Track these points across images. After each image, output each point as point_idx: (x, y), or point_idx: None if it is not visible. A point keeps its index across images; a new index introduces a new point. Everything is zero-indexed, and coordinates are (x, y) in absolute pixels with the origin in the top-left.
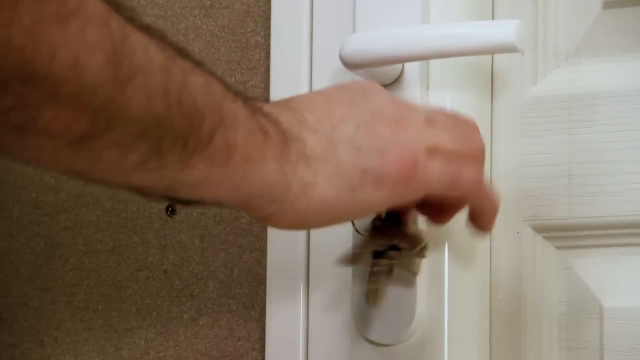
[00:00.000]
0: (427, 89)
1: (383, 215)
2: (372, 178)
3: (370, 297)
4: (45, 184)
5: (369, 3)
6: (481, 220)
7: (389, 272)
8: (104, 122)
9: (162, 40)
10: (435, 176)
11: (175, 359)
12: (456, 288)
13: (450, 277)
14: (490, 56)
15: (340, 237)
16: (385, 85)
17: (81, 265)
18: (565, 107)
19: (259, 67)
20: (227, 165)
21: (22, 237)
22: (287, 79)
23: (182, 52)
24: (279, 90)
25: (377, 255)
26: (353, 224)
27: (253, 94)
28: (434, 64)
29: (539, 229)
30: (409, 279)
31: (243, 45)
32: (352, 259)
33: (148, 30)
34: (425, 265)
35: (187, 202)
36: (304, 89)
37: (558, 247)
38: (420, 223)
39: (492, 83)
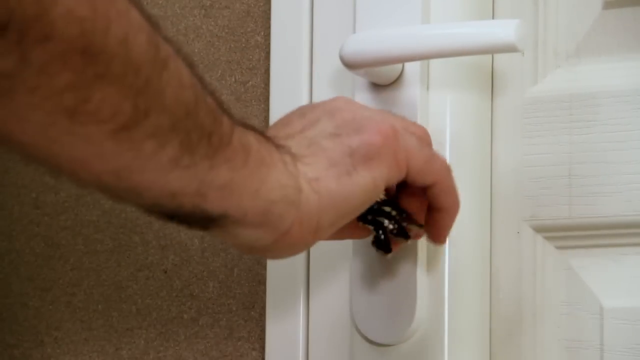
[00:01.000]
0: (427, 89)
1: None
2: (361, 156)
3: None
4: (45, 184)
5: (369, 3)
6: (443, 218)
7: (395, 229)
8: (144, 106)
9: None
10: (415, 148)
11: (175, 359)
12: (456, 288)
13: (450, 277)
14: (490, 56)
15: None
16: (386, 85)
17: (81, 265)
18: (566, 107)
19: (259, 67)
20: (245, 167)
21: (22, 237)
22: (287, 79)
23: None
24: (279, 90)
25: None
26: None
27: (253, 94)
28: (434, 63)
29: (539, 229)
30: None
31: (243, 45)
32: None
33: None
34: (425, 265)
35: (212, 219)
36: (304, 89)
37: (558, 247)
38: None
39: (492, 83)
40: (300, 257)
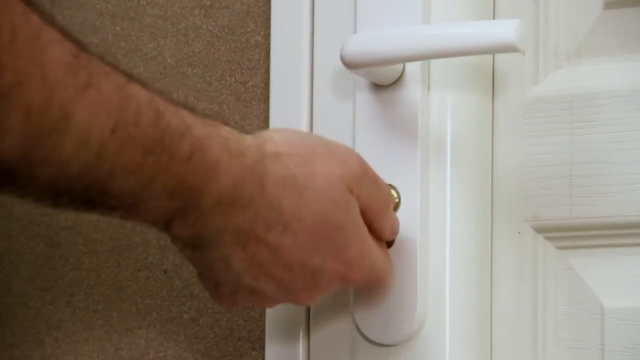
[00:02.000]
0: (428, 89)
1: None
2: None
3: None
4: None
5: (370, 3)
6: None
7: None
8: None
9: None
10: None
11: (175, 359)
12: (457, 288)
13: (450, 277)
14: (491, 56)
15: None
16: (386, 86)
17: (81, 265)
18: (566, 108)
19: (259, 67)
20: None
21: (22, 237)
22: (287, 79)
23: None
24: (279, 90)
25: None
26: None
27: (253, 94)
28: (435, 64)
29: (540, 229)
30: None
31: (243, 45)
32: None
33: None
34: (426, 265)
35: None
36: (304, 89)
37: (559, 247)
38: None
39: (493, 83)
40: None
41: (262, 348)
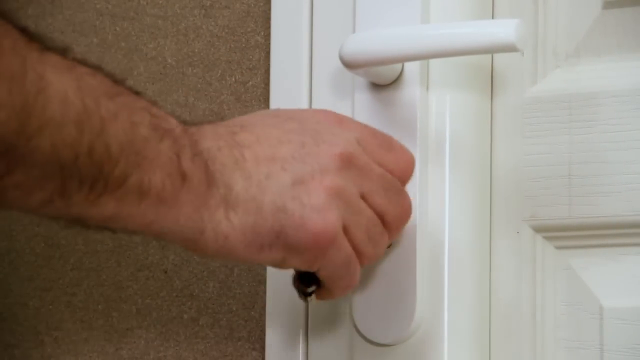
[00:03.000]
0: (427, 89)
1: None
2: (284, 244)
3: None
4: None
5: (369, 3)
6: (328, 293)
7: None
8: (4, 167)
9: (97, 76)
10: (339, 261)
11: (175, 359)
12: (456, 288)
13: (450, 277)
14: (490, 56)
15: None
16: (385, 85)
17: (81, 265)
18: (565, 107)
19: (259, 67)
20: (139, 206)
21: (22, 237)
22: (287, 79)
23: (118, 88)
24: (279, 90)
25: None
26: None
27: (253, 94)
28: (434, 63)
29: (539, 229)
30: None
31: (243, 45)
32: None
33: (85, 68)
34: (425, 265)
35: (99, 229)
36: (304, 89)
37: (558, 247)
38: None
39: (492, 83)
40: None
41: (262, 348)
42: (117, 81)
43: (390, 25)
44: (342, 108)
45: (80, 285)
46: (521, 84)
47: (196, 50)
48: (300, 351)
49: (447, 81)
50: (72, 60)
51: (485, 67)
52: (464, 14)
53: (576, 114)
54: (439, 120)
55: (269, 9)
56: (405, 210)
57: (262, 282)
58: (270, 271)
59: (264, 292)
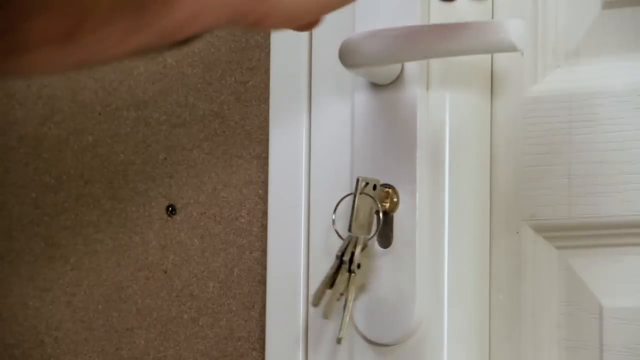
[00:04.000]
0: (427, 88)
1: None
2: None
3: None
4: (45, 184)
5: (369, 2)
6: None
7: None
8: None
9: None
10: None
11: (175, 359)
12: (456, 288)
13: (450, 277)
14: (490, 56)
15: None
16: (385, 85)
17: (81, 265)
18: (565, 107)
19: (259, 67)
20: None
21: (22, 237)
22: (287, 79)
23: None
24: (279, 90)
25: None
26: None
27: (253, 94)
28: (434, 63)
29: (539, 229)
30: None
31: (243, 45)
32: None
33: None
34: (425, 264)
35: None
36: (303, 89)
37: (558, 247)
38: None
39: (491, 83)
40: (300, 257)
41: (262, 348)
42: None
43: (390, 25)
44: (342, 108)
45: (80, 285)
46: (521, 84)
47: (196, 50)
48: (300, 351)
49: (447, 81)
50: None
51: (485, 67)
52: (464, 14)
53: (576, 114)
54: (438, 120)
55: None
56: None
57: (262, 282)
58: (270, 271)
59: (264, 292)
